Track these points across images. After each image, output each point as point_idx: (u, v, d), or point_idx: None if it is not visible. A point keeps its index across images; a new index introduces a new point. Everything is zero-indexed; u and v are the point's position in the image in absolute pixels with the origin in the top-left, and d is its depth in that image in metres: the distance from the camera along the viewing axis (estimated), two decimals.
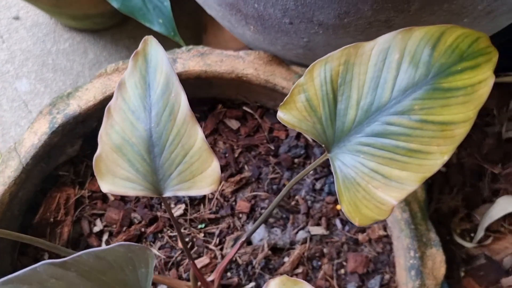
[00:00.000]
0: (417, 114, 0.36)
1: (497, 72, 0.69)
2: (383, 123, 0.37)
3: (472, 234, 0.65)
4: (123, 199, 0.59)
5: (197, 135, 0.39)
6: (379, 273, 0.58)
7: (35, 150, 0.52)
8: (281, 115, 0.40)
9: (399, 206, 0.54)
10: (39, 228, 0.56)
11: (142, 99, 0.39)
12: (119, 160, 0.39)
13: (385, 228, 0.59)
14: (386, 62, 0.37)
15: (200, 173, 0.38)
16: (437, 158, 0.36)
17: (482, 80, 0.36)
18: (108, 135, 0.39)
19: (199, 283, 0.54)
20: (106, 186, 0.38)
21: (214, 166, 0.38)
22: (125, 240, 0.57)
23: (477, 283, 0.63)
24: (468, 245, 0.64)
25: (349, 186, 0.38)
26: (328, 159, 0.40)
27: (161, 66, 0.40)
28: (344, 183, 0.38)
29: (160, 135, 0.39)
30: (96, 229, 0.57)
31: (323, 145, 0.40)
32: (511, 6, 0.46)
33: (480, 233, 0.64)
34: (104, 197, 0.59)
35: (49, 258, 0.56)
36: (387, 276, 0.57)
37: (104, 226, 0.58)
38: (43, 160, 0.54)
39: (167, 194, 0.39)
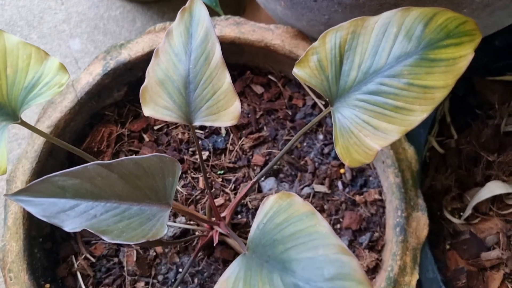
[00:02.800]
0: (405, 78, 0.44)
1: (505, 71, 0.76)
2: (377, 84, 0.45)
3: (461, 213, 0.72)
4: (156, 141, 0.69)
5: (225, 78, 0.47)
6: (370, 231, 0.65)
7: (89, 87, 0.62)
8: (296, 71, 0.48)
9: (393, 171, 0.62)
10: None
11: (185, 46, 0.48)
12: (161, 92, 0.48)
13: (380, 193, 0.66)
14: (386, 34, 0.45)
15: (224, 109, 0.47)
16: (418, 115, 0.43)
17: (463, 55, 0.43)
18: (154, 71, 0.48)
19: (213, 218, 0.63)
20: (148, 111, 0.48)
21: (236, 105, 0.47)
22: None
23: (460, 255, 0.70)
24: (456, 221, 0.71)
25: (344, 133, 0.46)
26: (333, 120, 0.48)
27: (202, 21, 0.49)
28: (340, 131, 0.47)
29: (196, 75, 0.48)
30: None
31: (328, 99, 0.48)
32: (507, 2, 0.53)
33: (468, 211, 0.70)
34: (140, 138, 0.69)
35: None
36: (376, 234, 0.65)
37: None
38: (94, 98, 0.64)
39: (196, 123, 0.48)
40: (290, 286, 0.35)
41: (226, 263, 0.65)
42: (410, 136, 0.67)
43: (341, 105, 0.47)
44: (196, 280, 0.65)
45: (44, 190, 0.45)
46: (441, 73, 0.43)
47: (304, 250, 0.37)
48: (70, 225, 0.44)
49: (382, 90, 0.45)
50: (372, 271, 0.64)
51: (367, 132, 0.45)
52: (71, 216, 0.44)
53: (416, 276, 0.60)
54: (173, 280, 0.65)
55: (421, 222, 0.62)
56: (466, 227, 0.71)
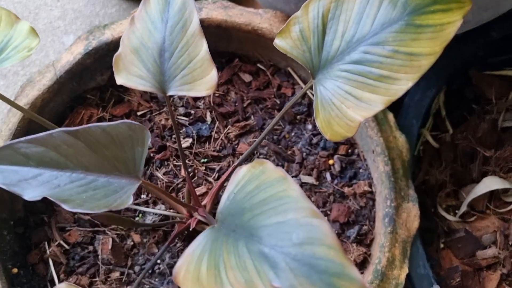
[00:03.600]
0: (390, 45, 0.42)
1: (503, 66, 0.74)
2: (361, 52, 0.43)
3: (456, 211, 0.69)
4: None
5: (202, 47, 0.45)
6: (358, 224, 0.62)
7: (69, 66, 0.60)
8: (277, 41, 0.46)
9: (382, 160, 0.59)
10: None
11: (161, 13, 0.46)
12: (135, 60, 0.46)
13: (370, 185, 0.63)
14: (370, 0, 0.43)
15: (200, 79, 0.45)
16: (403, 84, 0.41)
17: (451, 22, 0.41)
18: (129, 39, 0.46)
19: (192, 203, 0.60)
20: (121, 79, 0.46)
21: (212, 74, 0.45)
22: None
23: (454, 254, 0.66)
24: (451, 218, 0.68)
25: (326, 105, 0.44)
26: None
27: None
28: (322, 103, 0.44)
29: (171, 42, 0.46)
30: None
31: (310, 71, 0.46)
32: None
33: (464, 208, 0.67)
34: (126, 116, 0.66)
35: None
36: (365, 228, 0.62)
37: None
38: (75, 79, 0.62)
39: (170, 92, 0.46)
40: (255, 253, 0.32)
41: None
42: (402, 126, 0.64)
43: (324, 77, 0.45)
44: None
45: (6, 157, 0.43)
46: (428, 39, 0.41)
47: (272, 215, 0.34)
48: (31, 194, 0.41)
49: (366, 58, 0.42)
50: (360, 266, 0.60)
51: (350, 103, 0.43)
52: (33, 185, 0.42)
53: (405, 270, 0.57)
54: (150, 272, 0.62)
55: (412, 214, 0.59)
56: (461, 225, 0.68)
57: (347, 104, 0.43)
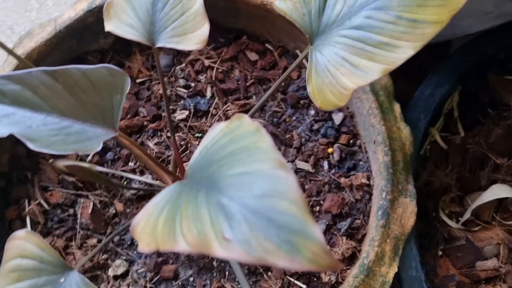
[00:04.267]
0: (394, 11, 0.39)
1: None
2: (363, 17, 0.40)
3: (459, 218, 0.64)
4: (136, 94, 0.65)
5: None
6: (351, 217, 0.59)
7: (70, 21, 0.59)
8: (277, 3, 0.44)
9: (383, 149, 0.56)
10: None
11: None
12: (127, 8, 0.44)
13: (368, 178, 0.60)
14: None
15: (191, 32, 0.43)
16: (403, 52, 0.38)
17: None
18: None
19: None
20: (110, 26, 0.44)
21: (204, 29, 0.43)
22: (126, 127, 0.62)
23: (452, 262, 0.62)
24: (453, 225, 0.63)
25: (319, 71, 0.41)
26: None
27: None
28: (316, 68, 0.41)
29: None
30: None
31: (308, 36, 0.43)
32: None
33: (467, 215, 0.63)
34: None
35: None
36: (358, 222, 0.58)
37: None
38: (75, 36, 0.61)
39: (159, 44, 0.44)
40: (213, 203, 0.30)
41: None
42: (409, 119, 0.60)
43: (322, 42, 0.42)
44: None
45: None
46: (435, 6, 0.38)
47: (237, 166, 0.31)
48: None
49: (367, 24, 0.40)
50: (348, 260, 0.57)
51: (345, 70, 0.40)
52: (4, 122, 0.40)
53: (394, 269, 0.53)
54: (129, 243, 0.59)
55: (408, 210, 0.55)
56: (463, 233, 0.63)
57: (342, 71, 0.40)
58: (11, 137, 0.59)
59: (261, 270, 0.57)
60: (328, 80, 0.40)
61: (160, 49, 0.67)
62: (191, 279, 0.58)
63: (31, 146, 0.38)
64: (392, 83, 0.60)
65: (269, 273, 0.57)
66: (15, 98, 0.41)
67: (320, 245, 0.26)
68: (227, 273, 0.58)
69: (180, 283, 0.57)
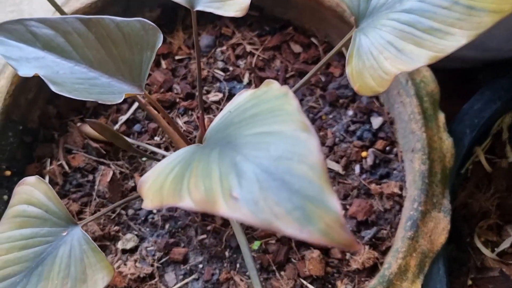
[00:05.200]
0: None
1: None
2: (416, 0, 0.37)
3: (495, 248, 0.59)
4: (173, 71, 0.64)
5: None
6: (377, 226, 0.55)
7: None
8: None
9: (420, 157, 0.52)
10: None
11: None
12: None
13: (401, 188, 0.56)
14: None
15: None
16: (454, 40, 0.35)
17: None
18: None
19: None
20: None
21: None
22: (158, 101, 0.61)
23: None
24: (488, 254, 0.58)
25: (361, 53, 0.38)
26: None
27: None
28: (358, 50, 0.39)
29: None
30: None
31: (353, 18, 0.40)
32: None
33: (505, 245, 0.57)
34: (157, 62, 0.64)
35: None
36: (384, 232, 0.54)
37: (146, 85, 0.62)
38: (122, 4, 0.61)
39: (198, 7, 0.42)
40: (225, 160, 0.27)
41: (206, 217, 0.57)
42: (453, 132, 0.56)
43: (367, 25, 0.40)
44: (167, 226, 0.57)
45: (15, 32, 0.41)
46: None
47: (257, 126, 0.28)
48: (25, 71, 0.39)
49: (418, 7, 0.37)
50: (368, 271, 0.53)
51: (389, 54, 0.37)
52: (33, 64, 0.39)
53: (417, 287, 0.48)
54: (143, 219, 0.57)
55: (440, 226, 0.50)
56: (497, 264, 0.58)
57: (386, 54, 0.37)
58: (44, 95, 0.60)
59: (273, 268, 0.54)
60: (370, 64, 0.38)
61: (203, 27, 0.66)
62: (200, 265, 0.55)
63: (53, 88, 0.37)
64: (439, 91, 0.56)
65: (282, 272, 0.54)
66: (47, 43, 0.40)
67: (336, 216, 0.23)
68: (238, 265, 0.55)
69: (188, 267, 0.55)
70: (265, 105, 0.30)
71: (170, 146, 0.60)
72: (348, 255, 0.54)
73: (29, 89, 0.57)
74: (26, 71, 0.38)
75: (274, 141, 0.26)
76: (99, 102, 0.37)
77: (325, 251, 0.54)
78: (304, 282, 0.53)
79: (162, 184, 0.31)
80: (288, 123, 0.27)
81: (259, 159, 0.26)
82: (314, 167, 0.25)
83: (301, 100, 0.62)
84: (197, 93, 0.62)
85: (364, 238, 0.54)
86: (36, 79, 0.58)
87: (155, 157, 0.56)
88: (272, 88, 0.32)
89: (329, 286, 0.53)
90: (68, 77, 0.39)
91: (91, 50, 0.40)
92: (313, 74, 0.46)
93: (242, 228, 0.44)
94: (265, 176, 0.25)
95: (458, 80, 0.71)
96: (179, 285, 0.55)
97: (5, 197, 0.53)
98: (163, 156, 0.58)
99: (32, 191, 0.39)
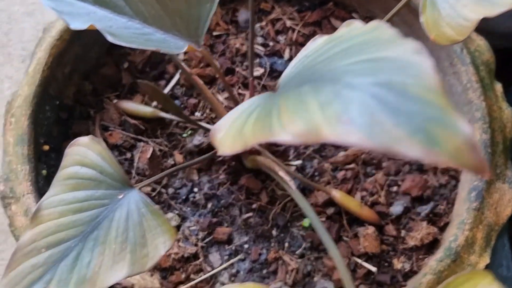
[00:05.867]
0: None
1: None
2: None
3: None
4: (211, 47, 0.61)
5: None
6: (433, 202, 0.52)
7: None
8: None
9: (481, 126, 0.49)
10: None
11: None
12: None
13: None
14: None
15: None
16: None
17: None
18: None
19: None
20: None
21: None
22: (198, 75, 0.58)
23: None
24: None
25: (436, 2, 0.36)
26: None
27: None
28: (432, 0, 0.36)
29: None
30: (180, 57, 0.60)
31: None
32: None
33: None
34: None
35: (129, 67, 0.60)
36: (441, 208, 0.51)
37: (184, 60, 0.60)
38: None
39: None
40: (324, 92, 0.25)
41: (251, 195, 0.54)
42: (511, 102, 0.54)
43: None
44: (209, 205, 0.54)
45: None
46: None
47: (355, 55, 0.26)
48: (77, 24, 0.36)
49: None
50: (426, 249, 0.50)
51: (467, 1, 0.34)
52: (84, 19, 0.37)
53: (485, 260, 0.45)
54: (184, 198, 0.55)
55: (506, 197, 0.48)
56: None
57: (464, 2, 0.35)
58: (80, 71, 0.57)
59: (325, 246, 0.51)
60: (446, 13, 0.35)
61: (241, 2, 0.63)
62: (246, 246, 0.52)
63: (110, 38, 0.35)
64: (494, 61, 0.54)
65: None
66: None
67: (466, 138, 0.21)
68: (286, 244, 0.52)
69: (233, 247, 0.52)
70: (356, 40, 0.27)
71: (211, 122, 0.57)
72: (403, 232, 0.51)
73: (66, 62, 0.55)
74: (78, 25, 0.36)
75: (380, 66, 0.24)
76: (161, 51, 0.34)
77: (379, 228, 0.52)
78: (358, 260, 0.50)
79: (242, 127, 0.28)
80: (392, 48, 0.24)
81: (366, 85, 0.23)
82: (432, 89, 0.22)
83: None
84: (237, 69, 0.60)
85: (421, 214, 0.51)
86: (73, 52, 0.56)
87: (199, 124, 0.53)
88: (356, 26, 0.29)
89: (385, 264, 0.50)
90: (122, 32, 0.37)
91: (145, 5, 0.38)
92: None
93: (303, 199, 0.42)
94: (377, 101, 0.22)
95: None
96: (224, 265, 0.52)
97: (44, 172, 0.50)
98: (206, 131, 0.56)
99: (85, 152, 0.37)
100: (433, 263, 0.44)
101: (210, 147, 0.56)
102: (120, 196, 0.36)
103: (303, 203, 0.39)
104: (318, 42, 0.32)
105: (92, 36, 0.57)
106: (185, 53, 0.60)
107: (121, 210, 0.36)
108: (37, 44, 0.53)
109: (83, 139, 0.37)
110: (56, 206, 0.35)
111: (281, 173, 0.45)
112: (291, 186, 0.42)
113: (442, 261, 0.44)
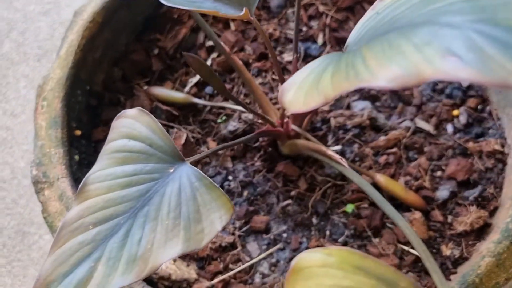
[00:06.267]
0: None
1: None
2: None
3: None
4: (243, 32, 0.60)
5: None
6: (481, 186, 0.50)
7: None
8: None
9: None
10: (161, 21, 0.58)
11: None
12: None
13: (502, 145, 0.51)
14: None
15: None
16: None
17: None
18: None
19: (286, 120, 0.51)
20: None
21: None
22: (228, 63, 0.57)
23: None
24: None
25: None
26: None
27: None
28: None
29: None
30: (209, 43, 0.58)
31: None
32: None
33: None
34: (226, 23, 0.60)
35: (159, 53, 0.58)
36: (490, 191, 0.49)
37: (212, 47, 0.58)
38: None
39: None
40: (419, 34, 0.23)
41: (288, 182, 0.52)
42: None
43: None
44: (245, 193, 0.52)
45: None
46: None
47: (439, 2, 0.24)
48: None
49: None
50: (476, 234, 0.47)
51: None
52: None
53: None
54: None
55: None
56: None
57: None
58: (110, 56, 0.55)
59: (369, 233, 0.49)
60: None
61: None
62: (285, 234, 0.50)
63: (163, 1, 0.33)
64: None
65: (378, 238, 0.49)
66: None
67: None
68: (327, 232, 0.50)
69: (272, 237, 0.50)
70: None
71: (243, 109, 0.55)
72: (450, 218, 0.49)
73: (97, 47, 0.53)
74: None
75: (480, 5, 0.22)
76: (220, 14, 0.32)
77: (425, 213, 0.49)
78: (405, 247, 0.48)
79: (317, 82, 0.26)
80: None
81: (469, 23, 0.21)
82: None
83: None
84: (270, 54, 0.58)
85: (468, 198, 0.49)
86: (104, 37, 0.54)
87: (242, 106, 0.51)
88: None
89: (433, 251, 0.48)
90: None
91: None
92: None
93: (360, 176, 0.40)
94: (483, 37, 0.21)
95: None
96: (263, 255, 0.50)
97: (76, 157, 0.48)
98: (240, 117, 0.54)
99: (133, 124, 0.35)
100: (490, 245, 0.42)
101: (245, 133, 0.54)
102: (171, 170, 0.34)
103: (359, 179, 0.37)
104: None
105: (122, 21, 0.56)
106: (219, 36, 0.59)
107: (172, 184, 0.34)
108: (68, 28, 0.52)
109: (131, 111, 0.35)
110: (103, 181, 0.33)
111: (330, 152, 0.43)
112: (343, 163, 0.40)
113: (501, 243, 0.42)
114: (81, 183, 0.33)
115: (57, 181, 0.44)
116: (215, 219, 0.32)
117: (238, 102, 0.43)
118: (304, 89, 0.27)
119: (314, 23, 0.60)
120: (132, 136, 0.34)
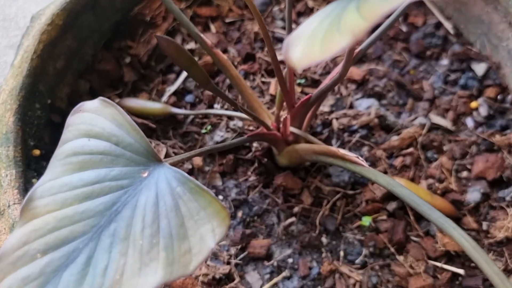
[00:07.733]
0: None
1: None
2: None
3: None
4: (225, 34, 0.53)
5: None
6: None
7: None
8: None
9: None
10: (132, 25, 0.51)
11: None
12: None
13: None
14: None
15: None
16: None
17: None
18: None
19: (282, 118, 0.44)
20: None
21: None
22: (211, 64, 0.50)
23: None
24: None
25: None
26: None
27: None
28: None
29: None
30: (188, 46, 0.51)
31: None
32: None
33: None
34: (205, 25, 0.53)
35: (131, 62, 0.51)
36: None
37: (192, 50, 0.51)
38: None
39: None
40: None
41: (289, 197, 0.44)
42: None
43: None
44: (239, 214, 0.44)
45: None
46: None
47: None
48: None
49: None
50: None
51: None
52: None
53: None
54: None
55: None
56: None
57: None
58: (74, 68, 0.48)
59: (392, 250, 0.41)
60: None
61: None
62: (290, 260, 0.42)
63: None
64: None
65: (403, 255, 0.41)
66: None
67: None
68: (341, 253, 0.42)
69: (275, 263, 0.42)
70: None
71: (233, 116, 0.48)
72: (485, 224, 0.42)
73: (58, 55, 0.46)
74: None
75: None
76: None
77: (455, 220, 0.42)
78: (438, 264, 0.40)
79: (338, 22, 0.19)
80: None
81: None
82: None
83: (380, 56, 0.52)
84: (258, 55, 0.51)
85: (505, 198, 0.42)
86: (66, 44, 0.46)
87: (220, 94, 0.44)
88: None
89: (471, 264, 0.40)
90: None
91: None
92: (390, 26, 0.36)
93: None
94: None
95: None
96: (266, 286, 0.41)
97: (34, 180, 0.40)
98: (228, 126, 0.46)
99: (93, 118, 0.27)
100: None
101: (235, 147, 0.46)
102: (145, 174, 0.26)
103: (387, 180, 0.29)
104: None
105: (88, 27, 0.49)
106: (196, 42, 0.52)
107: (147, 192, 0.25)
108: (23, 35, 0.44)
109: (91, 103, 0.27)
110: (55, 193, 0.25)
111: (342, 151, 0.35)
112: (362, 163, 0.33)
113: None
114: (26, 198, 0.25)
115: (8, 209, 0.36)
116: (206, 234, 0.24)
117: (225, 98, 0.35)
118: (320, 36, 0.20)
119: (303, 20, 0.54)
120: (93, 134, 0.27)
